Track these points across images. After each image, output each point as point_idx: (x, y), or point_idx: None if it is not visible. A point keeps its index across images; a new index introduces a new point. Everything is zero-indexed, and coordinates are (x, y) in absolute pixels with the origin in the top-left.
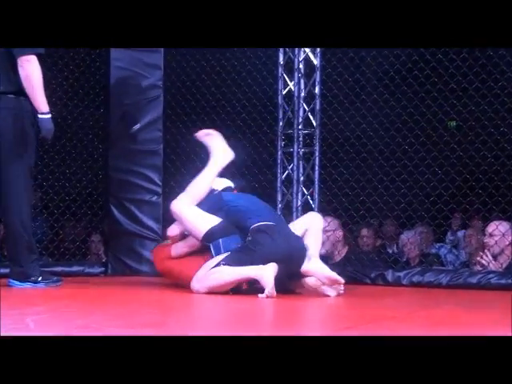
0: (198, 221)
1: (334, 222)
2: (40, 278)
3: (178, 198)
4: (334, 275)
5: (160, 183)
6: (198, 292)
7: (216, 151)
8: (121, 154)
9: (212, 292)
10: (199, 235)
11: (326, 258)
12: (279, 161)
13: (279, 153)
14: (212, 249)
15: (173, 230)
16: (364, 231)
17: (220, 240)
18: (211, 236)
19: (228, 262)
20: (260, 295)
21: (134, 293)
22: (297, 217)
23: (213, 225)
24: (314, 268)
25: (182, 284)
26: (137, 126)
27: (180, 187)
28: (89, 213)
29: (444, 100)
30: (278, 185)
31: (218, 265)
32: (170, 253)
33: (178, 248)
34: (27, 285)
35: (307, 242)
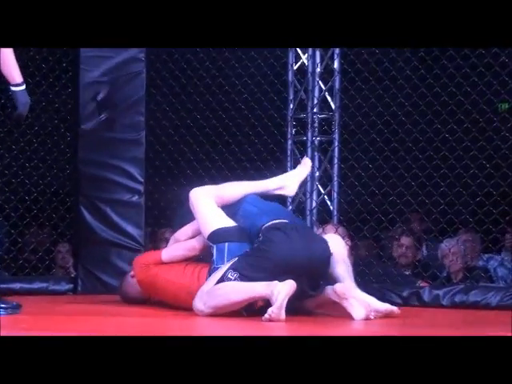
0: (212, 215)
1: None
2: None
3: (204, 187)
4: (387, 306)
5: (141, 179)
6: (201, 313)
7: (290, 180)
8: (93, 143)
9: (218, 313)
10: (207, 231)
11: None
12: (289, 152)
13: (289, 142)
14: (214, 251)
15: (183, 233)
16: (405, 240)
17: (226, 244)
18: (219, 236)
19: (236, 267)
20: (264, 317)
21: (109, 317)
22: (311, 221)
23: (225, 225)
24: (354, 293)
25: (166, 303)
26: (102, 117)
27: (166, 184)
28: (54, 216)
29: (493, 77)
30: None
31: (224, 276)
32: (160, 257)
33: (173, 250)
34: None
35: (333, 273)
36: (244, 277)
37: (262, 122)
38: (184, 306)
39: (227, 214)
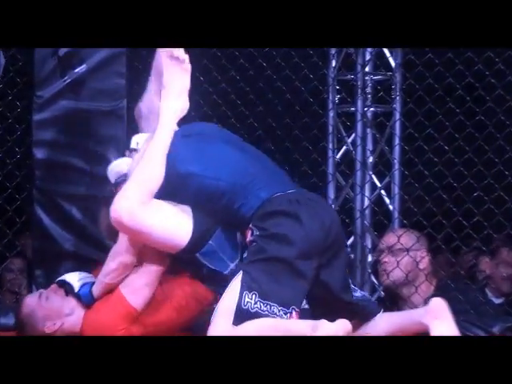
0: (171, 224)
1: (414, 238)
2: None
3: (122, 196)
4: None
5: None
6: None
7: (170, 94)
8: (53, 117)
9: None
10: (178, 246)
11: (392, 297)
12: (331, 129)
13: (331, 115)
14: (202, 260)
15: (112, 268)
16: (506, 254)
17: (211, 242)
18: (199, 241)
19: (250, 286)
20: None
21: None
22: (362, 225)
23: (192, 222)
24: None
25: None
26: (82, 68)
27: None
28: None
29: None
30: (330, 170)
31: (242, 302)
32: (129, 307)
33: (133, 286)
34: None
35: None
36: (264, 295)
37: (290, 83)
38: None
39: (166, 198)
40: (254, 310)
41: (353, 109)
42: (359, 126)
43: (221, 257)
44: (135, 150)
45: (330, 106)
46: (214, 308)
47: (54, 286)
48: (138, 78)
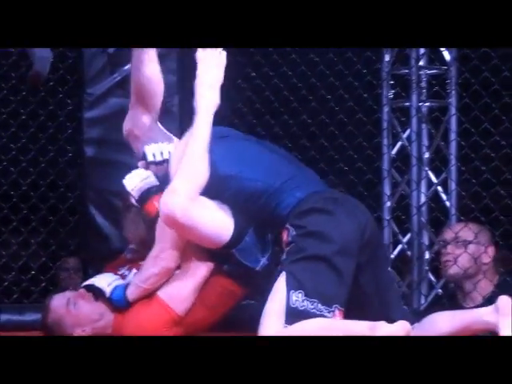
0: (217, 220)
1: (480, 230)
2: None
3: (172, 192)
4: None
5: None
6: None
7: (203, 85)
8: (104, 114)
9: None
10: (222, 242)
11: (452, 292)
12: (385, 125)
13: (385, 110)
14: (238, 256)
15: (154, 273)
16: None
17: (246, 238)
18: (238, 237)
19: (297, 285)
20: None
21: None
22: (419, 222)
23: (233, 219)
24: None
25: None
26: (116, 77)
27: None
28: (51, 219)
29: None
30: (385, 167)
31: (289, 302)
32: (173, 312)
33: (182, 302)
34: None
35: None
36: (309, 293)
37: (344, 79)
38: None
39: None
40: (303, 308)
41: (407, 104)
42: (414, 121)
43: (254, 253)
44: (154, 162)
45: (385, 101)
46: (240, 305)
47: (81, 290)
48: (190, 74)
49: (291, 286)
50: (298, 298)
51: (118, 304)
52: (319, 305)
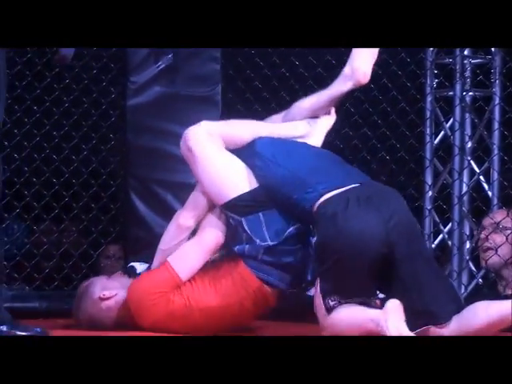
0: (229, 172)
1: None
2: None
3: (203, 123)
4: None
5: None
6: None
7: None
8: (147, 103)
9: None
10: (223, 197)
11: (493, 280)
12: (429, 114)
13: (429, 99)
14: (246, 227)
15: (170, 230)
16: None
17: (260, 214)
18: (249, 204)
19: (329, 289)
20: None
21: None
22: (460, 212)
23: (251, 186)
24: None
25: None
26: (160, 65)
27: None
28: (93, 207)
29: None
30: (427, 155)
31: (327, 305)
32: (176, 276)
33: (185, 257)
34: None
35: None
36: (344, 295)
37: (386, 68)
38: (228, 328)
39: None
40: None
41: (451, 93)
42: (457, 110)
43: (263, 231)
44: None
45: (428, 90)
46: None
47: (118, 272)
48: (233, 63)
49: (325, 292)
50: (334, 301)
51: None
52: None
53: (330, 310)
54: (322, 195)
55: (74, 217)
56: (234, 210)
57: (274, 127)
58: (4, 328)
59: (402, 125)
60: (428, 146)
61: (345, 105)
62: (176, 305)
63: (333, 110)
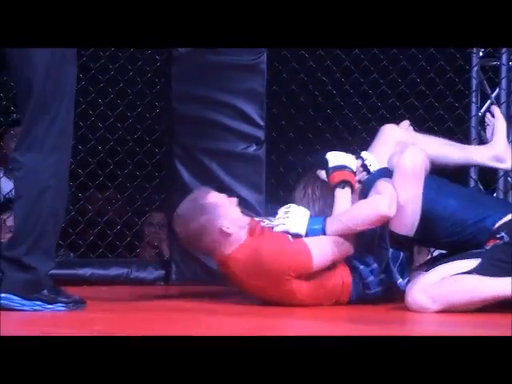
0: (413, 214)
1: None
2: (51, 296)
3: (423, 152)
4: None
5: (262, 122)
6: (424, 310)
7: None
8: (192, 71)
9: (451, 310)
10: (406, 230)
11: None
12: (474, 84)
13: (475, 69)
14: (390, 257)
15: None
16: None
17: (402, 253)
18: (401, 243)
19: (482, 272)
20: None
21: (219, 317)
22: (505, 183)
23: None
24: None
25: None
26: None
27: (298, 130)
28: (137, 175)
29: None
30: (472, 129)
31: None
32: (312, 263)
33: (322, 257)
34: (34, 305)
35: None
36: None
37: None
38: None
39: None
40: None
41: (498, 63)
42: (504, 81)
43: (396, 265)
44: (362, 159)
45: (475, 60)
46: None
47: (235, 199)
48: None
49: (477, 270)
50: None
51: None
52: None
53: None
54: (504, 216)
55: (119, 184)
56: (396, 242)
57: (462, 149)
58: (46, 292)
59: (449, 95)
60: (474, 118)
61: (391, 74)
62: (290, 292)
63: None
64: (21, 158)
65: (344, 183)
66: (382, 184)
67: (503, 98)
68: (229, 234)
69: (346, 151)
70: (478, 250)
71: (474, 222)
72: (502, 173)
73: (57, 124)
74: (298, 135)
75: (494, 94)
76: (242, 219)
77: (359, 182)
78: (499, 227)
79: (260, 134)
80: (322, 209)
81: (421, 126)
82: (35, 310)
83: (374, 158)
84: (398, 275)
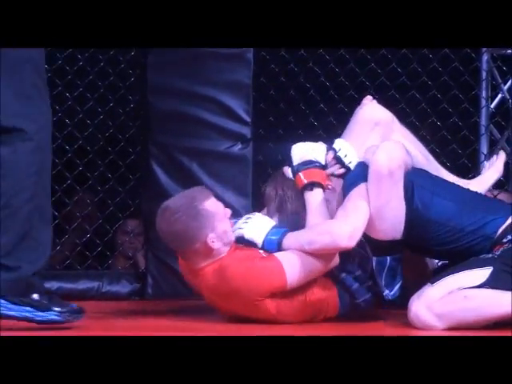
0: (399, 212)
1: None
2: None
3: (402, 147)
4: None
5: (248, 119)
6: (428, 327)
7: None
8: (170, 60)
9: (458, 328)
10: (384, 235)
11: None
12: (485, 75)
13: (485, 58)
14: (374, 264)
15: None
16: None
17: (388, 257)
18: (387, 247)
19: (495, 283)
20: None
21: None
22: None
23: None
24: None
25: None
26: None
27: (288, 127)
28: (110, 177)
29: None
30: (483, 122)
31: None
32: (285, 281)
33: (296, 276)
34: (23, 311)
35: None
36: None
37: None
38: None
39: None
40: None
41: (509, 51)
42: None
43: (382, 274)
44: (334, 150)
45: (484, 48)
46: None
47: (228, 213)
48: None
49: (489, 282)
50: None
51: (269, 250)
52: None
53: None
54: (505, 221)
55: (89, 188)
56: (377, 248)
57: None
58: (36, 297)
59: (455, 87)
60: (483, 111)
61: (391, 63)
62: (267, 312)
63: (501, 166)
64: None
65: (311, 185)
66: (353, 202)
67: None
68: (212, 249)
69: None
70: (488, 256)
71: (473, 230)
72: None
73: None
74: (288, 132)
75: (506, 87)
76: (230, 235)
77: (338, 175)
78: (504, 231)
79: (246, 131)
80: (297, 209)
81: (423, 121)
82: (25, 318)
83: (350, 146)
84: (383, 287)
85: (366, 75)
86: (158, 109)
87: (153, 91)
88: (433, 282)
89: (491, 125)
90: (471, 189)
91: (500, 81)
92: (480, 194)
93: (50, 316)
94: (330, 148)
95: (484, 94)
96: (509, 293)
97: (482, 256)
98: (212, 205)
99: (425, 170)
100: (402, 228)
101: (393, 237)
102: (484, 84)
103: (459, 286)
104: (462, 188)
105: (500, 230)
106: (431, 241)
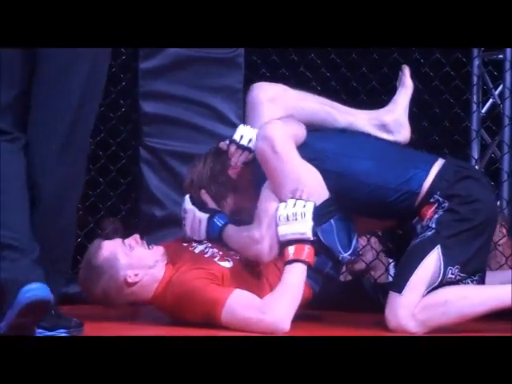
0: (309, 176)
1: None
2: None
3: (272, 122)
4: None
5: (239, 123)
6: (409, 332)
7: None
8: (162, 65)
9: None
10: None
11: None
12: (476, 80)
13: (476, 63)
14: (322, 237)
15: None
16: None
17: (332, 221)
18: (325, 213)
19: (452, 259)
20: None
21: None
22: (510, 188)
23: (327, 191)
24: None
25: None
26: None
27: None
28: (100, 181)
29: None
30: (474, 127)
31: (444, 279)
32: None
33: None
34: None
35: None
36: (463, 267)
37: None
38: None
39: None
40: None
41: (501, 56)
42: (508, 76)
43: (334, 239)
44: (235, 142)
45: (475, 53)
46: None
47: (136, 236)
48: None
49: (449, 261)
50: (453, 274)
51: (212, 234)
52: (469, 279)
53: (444, 283)
54: (427, 174)
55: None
56: (316, 217)
57: (349, 114)
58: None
59: (446, 91)
60: (475, 116)
61: (382, 68)
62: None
63: (409, 80)
64: None
65: (297, 262)
66: (263, 211)
67: (507, 94)
68: (138, 281)
69: None
70: (427, 235)
71: (396, 187)
72: (505, 177)
73: None
74: None
75: (497, 91)
76: (151, 255)
77: (248, 162)
78: (429, 189)
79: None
80: (224, 184)
81: (413, 126)
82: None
83: (253, 130)
84: (340, 250)
85: (357, 79)
86: (149, 113)
87: (144, 96)
88: (399, 290)
89: (482, 129)
90: (395, 114)
91: (491, 86)
92: (396, 145)
93: (59, 335)
94: (231, 140)
95: (475, 98)
96: (489, 289)
97: (420, 237)
98: (107, 249)
99: (334, 132)
100: (324, 188)
101: (320, 198)
102: (475, 89)
103: (426, 284)
104: (378, 141)
105: (425, 186)
106: (358, 200)
